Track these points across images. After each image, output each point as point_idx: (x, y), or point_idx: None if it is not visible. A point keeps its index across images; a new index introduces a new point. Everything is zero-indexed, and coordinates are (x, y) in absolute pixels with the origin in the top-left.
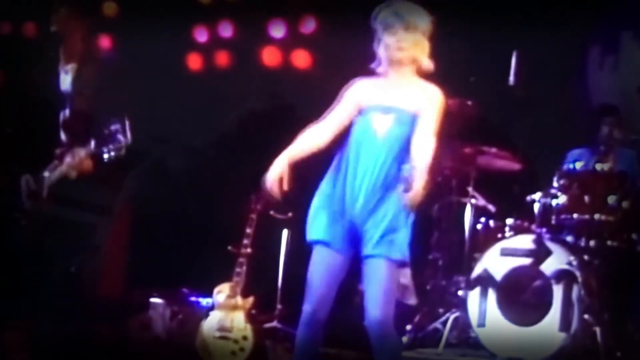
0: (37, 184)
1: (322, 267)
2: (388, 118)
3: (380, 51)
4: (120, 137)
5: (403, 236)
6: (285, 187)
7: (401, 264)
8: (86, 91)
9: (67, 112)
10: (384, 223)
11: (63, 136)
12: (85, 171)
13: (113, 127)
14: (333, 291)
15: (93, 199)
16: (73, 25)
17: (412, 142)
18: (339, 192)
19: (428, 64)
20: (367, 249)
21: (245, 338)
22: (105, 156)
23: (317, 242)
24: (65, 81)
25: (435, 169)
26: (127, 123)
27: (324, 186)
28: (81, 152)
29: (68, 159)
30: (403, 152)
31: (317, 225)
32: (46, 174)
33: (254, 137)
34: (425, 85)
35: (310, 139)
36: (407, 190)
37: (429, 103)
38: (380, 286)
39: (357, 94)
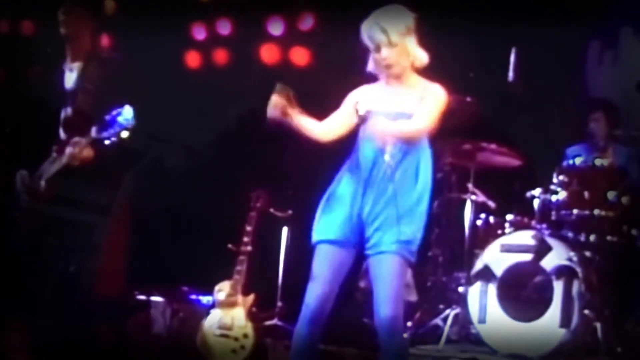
0: (34, 180)
1: (326, 264)
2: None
3: (371, 65)
4: (121, 120)
5: (414, 234)
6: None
7: (409, 262)
8: (91, 88)
9: (70, 109)
10: (395, 221)
11: (63, 133)
12: (87, 159)
13: (114, 112)
14: (336, 288)
15: (91, 198)
16: (82, 25)
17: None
18: (349, 193)
19: (421, 60)
20: (377, 246)
21: (245, 336)
22: (107, 141)
23: (323, 241)
24: (70, 79)
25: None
26: (129, 108)
27: (334, 187)
28: (82, 141)
29: (69, 149)
30: (413, 156)
31: (325, 224)
32: (44, 167)
33: (253, 135)
34: (428, 84)
35: (314, 122)
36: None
37: (427, 94)
38: (391, 283)
39: (356, 99)
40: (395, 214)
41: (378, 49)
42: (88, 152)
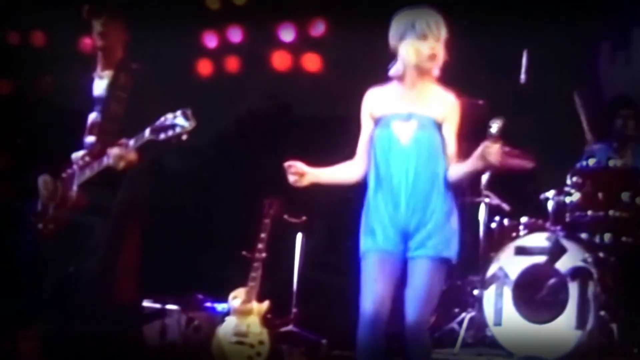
0: (58, 184)
1: (376, 269)
2: (410, 125)
3: (405, 56)
4: (181, 122)
5: (447, 235)
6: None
7: (447, 263)
8: (123, 96)
9: (100, 115)
10: (428, 224)
11: (92, 138)
12: (132, 162)
13: (172, 115)
14: (391, 291)
15: (96, 202)
16: (117, 37)
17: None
18: (382, 203)
19: (437, 73)
20: (411, 250)
21: (261, 342)
22: (162, 136)
23: (370, 250)
24: (100, 86)
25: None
26: (188, 110)
27: (368, 201)
28: (130, 143)
29: (115, 150)
30: (431, 155)
31: (369, 236)
32: (70, 171)
33: (268, 141)
34: (443, 93)
35: (344, 171)
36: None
37: (450, 113)
38: (421, 287)
39: (370, 105)
40: (426, 218)
41: (424, 37)
42: (133, 156)
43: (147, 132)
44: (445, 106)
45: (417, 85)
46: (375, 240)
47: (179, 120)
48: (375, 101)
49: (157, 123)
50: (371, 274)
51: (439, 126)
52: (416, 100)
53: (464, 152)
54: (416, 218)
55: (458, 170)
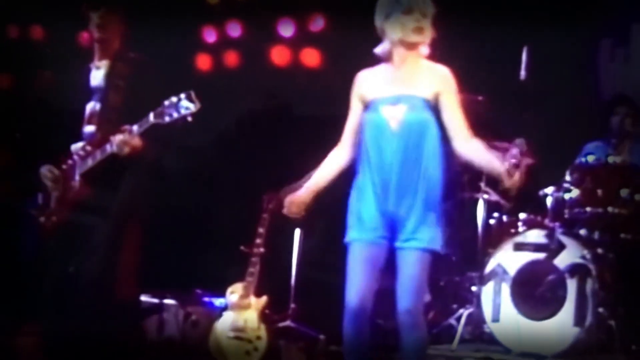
0: (63, 175)
1: (362, 260)
2: (399, 109)
3: (391, 32)
4: (186, 104)
5: (436, 225)
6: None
7: (434, 254)
8: (121, 84)
9: (99, 104)
10: (416, 214)
11: (92, 128)
12: (137, 148)
13: (175, 98)
14: (374, 284)
15: (95, 199)
16: (115, 29)
17: (457, 145)
18: (371, 189)
19: (426, 51)
20: (400, 240)
21: (259, 338)
22: (167, 119)
23: (355, 240)
24: (97, 76)
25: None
26: (191, 92)
27: (357, 185)
28: (134, 128)
29: (119, 137)
30: (421, 138)
31: (356, 223)
32: (70, 162)
33: (266, 136)
34: (433, 66)
35: (332, 163)
36: (511, 174)
37: (444, 85)
38: (411, 276)
39: (360, 88)
40: (414, 207)
41: (409, 11)
42: (137, 141)
43: (152, 116)
44: (438, 80)
45: (406, 63)
46: (361, 230)
47: (183, 103)
48: (365, 84)
49: (161, 106)
50: (356, 265)
51: (431, 106)
52: (405, 80)
53: None
54: (405, 205)
55: (477, 156)
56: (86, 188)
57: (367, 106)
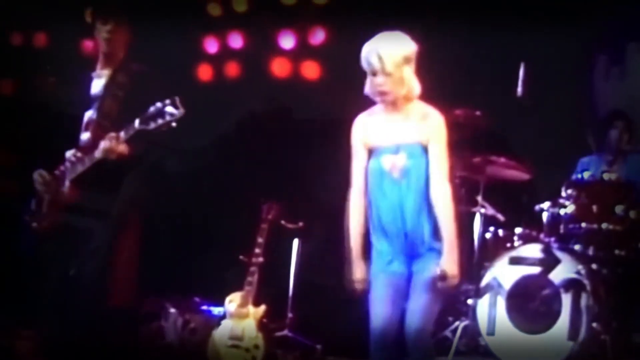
0: (55, 180)
1: (385, 287)
2: (399, 157)
3: (369, 88)
4: (171, 110)
5: (446, 251)
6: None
7: (444, 278)
8: (120, 94)
9: (96, 113)
10: (428, 245)
11: (87, 135)
12: (123, 155)
13: (160, 103)
14: (400, 307)
15: (93, 204)
16: (121, 41)
17: (431, 191)
18: (384, 231)
19: (415, 91)
20: (415, 272)
21: (256, 347)
22: (152, 124)
23: (379, 272)
24: (97, 85)
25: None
26: (175, 98)
27: (374, 226)
28: (120, 134)
29: (105, 143)
30: (423, 182)
31: (378, 259)
32: (64, 169)
33: (266, 147)
34: (425, 110)
35: (356, 211)
36: (443, 279)
37: (434, 132)
38: (422, 299)
39: (361, 134)
40: (425, 236)
41: (374, 73)
42: (123, 148)
43: (137, 122)
44: (429, 129)
45: (398, 107)
46: (383, 262)
47: (168, 109)
48: (365, 130)
49: (146, 113)
50: (380, 291)
51: (426, 149)
52: (402, 125)
53: (461, 163)
54: (417, 243)
55: (442, 221)
56: (75, 193)
57: (369, 152)
